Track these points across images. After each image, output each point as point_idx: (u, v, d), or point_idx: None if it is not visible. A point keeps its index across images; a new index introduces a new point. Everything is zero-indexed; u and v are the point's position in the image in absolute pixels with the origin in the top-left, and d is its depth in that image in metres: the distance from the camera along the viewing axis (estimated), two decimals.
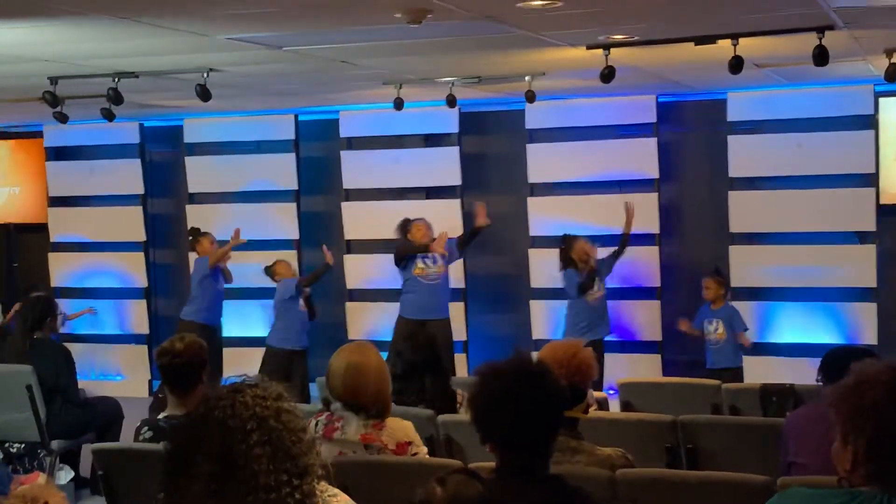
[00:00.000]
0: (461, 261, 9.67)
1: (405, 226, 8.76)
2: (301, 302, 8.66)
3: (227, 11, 5.12)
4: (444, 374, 5.50)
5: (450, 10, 5.06)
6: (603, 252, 8.58)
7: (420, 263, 8.68)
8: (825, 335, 8.83)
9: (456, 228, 9.49)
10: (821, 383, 4.23)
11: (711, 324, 8.15)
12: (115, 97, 7.09)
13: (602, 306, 8.49)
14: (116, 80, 6.99)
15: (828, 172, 8.92)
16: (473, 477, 2.47)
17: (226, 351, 9.32)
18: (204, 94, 6.98)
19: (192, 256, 9.49)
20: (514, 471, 2.77)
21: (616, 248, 8.60)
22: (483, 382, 2.86)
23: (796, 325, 9.02)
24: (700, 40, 6.05)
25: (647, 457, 4.65)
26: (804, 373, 7.81)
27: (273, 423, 2.09)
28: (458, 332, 9.68)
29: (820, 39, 5.86)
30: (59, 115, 7.75)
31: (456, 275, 9.67)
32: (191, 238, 9.41)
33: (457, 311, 9.62)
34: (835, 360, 4.18)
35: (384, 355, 4.57)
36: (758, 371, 8.45)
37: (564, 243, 8.50)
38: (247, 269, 9.50)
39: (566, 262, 8.44)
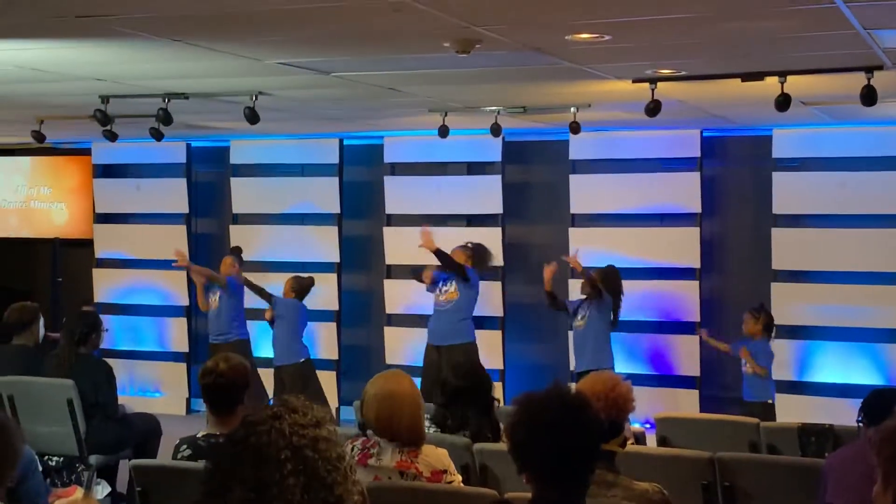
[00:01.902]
0: (500, 288, 9.68)
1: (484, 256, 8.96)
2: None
3: (279, 37, 5.19)
4: (489, 403, 5.46)
5: (498, 40, 5.10)
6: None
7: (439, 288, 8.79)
8: (866, 376, 8.75)
9: (497, 257, 9.50)
10: (861, 424, 4.20)
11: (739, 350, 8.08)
12: (165, 117, 7.19)
13: (586, 336, 8.42)
14: (167, 100, 7.08)
15: (872, 212, 8.86)
16: None
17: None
18: (252, 116, 7.05)
19: None
20: (549, 503, 2.78)
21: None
22: (522, 412, 2.86)
23: (837, 365, 8.94)
24: (747, 77, 6.04)
25: (684, 493, 4.63)
26: (843, 413, 7.72)
27: (309, 452, 2.09)
28: (495, 360, 9.69)
29: (868, 79, 5.84)
30: (109, 133, 7.85)
31: (494, 302, 9.69)
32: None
33: (494, 339, 9.63)
34: (877, 402, 4.15)
35: (417, 382, 4.58)
36: (796, 410, 8.38)
37: (613, 273, 8.49)
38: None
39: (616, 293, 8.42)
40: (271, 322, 9.01)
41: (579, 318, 8.41)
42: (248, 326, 9.33)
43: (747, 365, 7.99)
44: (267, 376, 9.04)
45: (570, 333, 8.83)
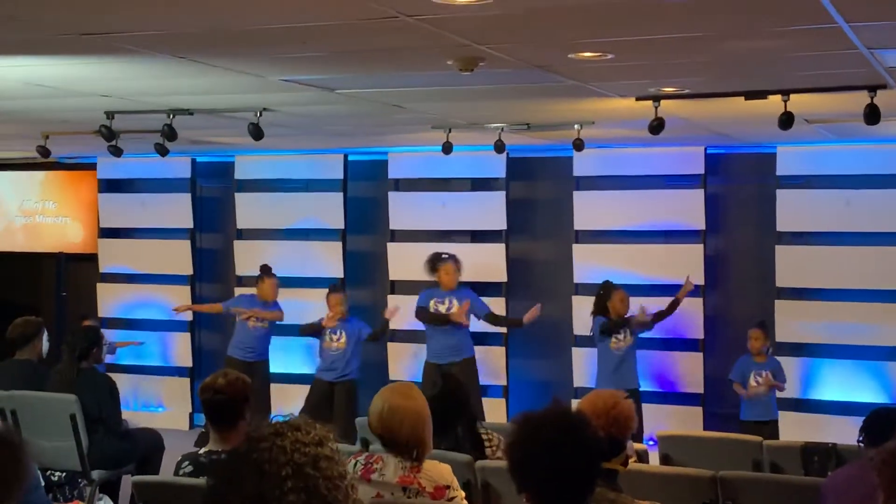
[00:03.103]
0: (504, 304, 9.69)
1: (434, 264, 8.78)
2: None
3: (283, 54, 5.21)
4: (471, 418, 5.47)
5: (502, 59, 5.12)
6: (650, 306, 8.54)
7: (432, 308, 8.75)
8: (869, 394, 8.73)
9: (500, 273, 9.51)
10: (862, 444, 4.19)
11: (760, 375, 8.04)
12: (170, 133, 7.21)
13: (626, 357, 8.41)
14: (171, 116, 7.11)
15: (876, 230, 8.85)
16: None
17: (271, 387, 9.43)
18: (256, 132, 7.07)
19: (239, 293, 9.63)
20: None
21: (663, 309, 8.57)
22: (521, 432, 2.87)
23: (840, 383, 8.93)
24: (751, 95, 6.05)
25: None
26: (846, 431, 7.69)
27: (309, 470, 2.10)
28: (499, 376, 9.69)
29: (872, 98, 5.85)
30: (114, 148, 7.88)
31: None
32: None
33: (497, 355, 9.63)
34: (878, 422, 4.15)
35: None
36: (798, 428, 8.37)
37: (603, 290, 8.49)
38: (289, 305, 9.57)
39: (600, 308, 8.43)
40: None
41: (621, 337, 8.38)
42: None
43: (755, 382, 7.97)
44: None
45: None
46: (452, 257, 8.82)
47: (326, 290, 9.10)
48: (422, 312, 8.78)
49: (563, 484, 2.77)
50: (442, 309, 8.72)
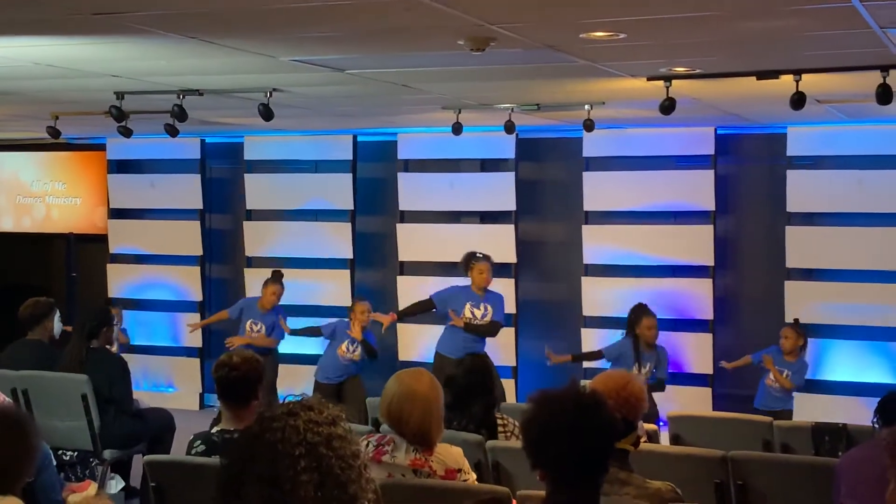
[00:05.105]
0: (513, 286, 9.69)
1: (468, 263, 8.45)
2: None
3: (294, 34, 5.20)
4: (490, 402, 5.45)
5: (513, 38, 5.10)
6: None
7: (468, 313, 8.41)
8: (879, 375, 8.73)
9: (510, 254, 9.49)
10: (876, 426, 4.19)
11: (782, 373, 7.98)
12: (180, 113, 7.21)
13: None
14: (181, 96, 7.11)
15: (887, 210, 8.82)
16: None
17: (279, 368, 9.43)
18: (266, 113, 7.07)
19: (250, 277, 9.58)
20: (564, 501, 2.78)
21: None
22: (538, 410, 2.86)
23: (850, 364, 8.92)
24: (762, 75, 6.02)
25: (697, 492, 4.63)
26: (856, 412, 7.72)
27: (323, 450, 2.10)
28: (508, 357, 9.70)
29: (884, 78, 5.81)
30: (124, 129, 7.88)
31: (507, 300, 9.66)
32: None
33: (507, 336, 9.63)
34: (893, 403, 4.14)
35: None
36: (809, 408, 8.37)
37: (633, 313, 8.11)
38: (298, 286, 9.59)
39: (630, 330, 8.09)
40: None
41: (644, 370, 7.97)
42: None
43: (773, 378, 7.93)
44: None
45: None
46: (487, 258, 8.49)
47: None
48: (471, 327, 8.37)
49: (578, 463, 2.77)
50: (478, 314, 8.41)
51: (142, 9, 4.60)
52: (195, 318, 10.99)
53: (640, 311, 8.07)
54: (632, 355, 7.94)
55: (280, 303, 9.10)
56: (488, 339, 8.55)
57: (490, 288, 8.50)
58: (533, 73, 6.43)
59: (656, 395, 7.88)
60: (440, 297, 8.60)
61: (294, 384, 9.61)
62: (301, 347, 10.05)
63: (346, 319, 8.61)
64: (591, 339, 9.53)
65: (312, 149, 10.59)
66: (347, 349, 8.55)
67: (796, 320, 8.30)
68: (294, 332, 8.96)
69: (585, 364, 9.39)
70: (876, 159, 8.89)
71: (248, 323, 8.98)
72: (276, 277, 9.08)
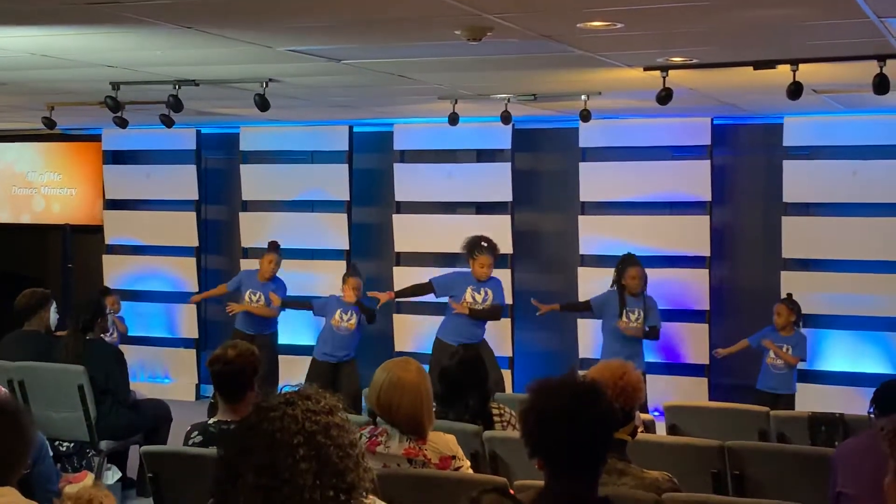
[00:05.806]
0: (510, 276, 9.68)
1: (472, 250, 8.45)
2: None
3: (290, 24, 5.18)
4: (485, 394, 5.44)
5: (510, 28, 5.09)
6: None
7: (469, 298, 8.45)
8: (876, 365, 8.74)
9: (506, 244, 9.48)
10: (873, 415, 4.19)
11: (782, 348, 8.01)
12: (176, 104, 7.19)
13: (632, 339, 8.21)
14: (177, 87, 7.09)
15: (883, 200, 8.82)
16: (507, 497, 2.46)
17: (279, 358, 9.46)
18: (262, 103, 7.05)
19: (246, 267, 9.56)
20: (562, 491, 2.78)
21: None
22: (537, 398, 2.86)
23: (847, 354, 8.93)
24: (759, 65, 6.01)
25: (694, 482, 4.63)
26: (853, 402, 7.75)
27: (321, 438, 2.10)
28: (504, 348, 9.70)
29: (881, 68, 5.81)
30: (119, 119, 7.86)
31: (504, 290, 9.68)
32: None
33: (503, 326, 9.63)
34: (889, 393, 4.15)
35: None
36: (806, 398, 8.38)
37: (620, 263, 8.35)
38: (295, 277, 9.58)
39: (617, 280, 8.31)
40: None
41: (633, 317, 8.20)
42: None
43: (774, 355, 7.94)
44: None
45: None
46: (492, 249, 8.46)
47: (343, 271, 9.08)
48: (475, 312, 8.42)
49: (577, 452, 2.77)
50: (479, 298, 8.45)
51: None
52: (191, 309, 10.99)
53: (626, 261, 8.34)
54: (616, 304, 8.17)
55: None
56: (486, 328, 8.57)
57: None
58: (530, 64, 6.41)
59: (648, 385, 7.93)
60: (440, 282, 8.69)
61: (295, 375, 9.61)
62: (301, 338, 10.07)
63: (337, 294, 8.72)
64: (588, 330, 9.54)
65: (308, 139, 10.57)
66: (341, 318, 8.61)
67: (789, 295, 8.31)
68: (284, 304, 9.12)
69: (582, 354, 9.43)
70: (872, 149, 8.89)
71: (248, 293, 9.14)
72: (273, 247, 9.23)
